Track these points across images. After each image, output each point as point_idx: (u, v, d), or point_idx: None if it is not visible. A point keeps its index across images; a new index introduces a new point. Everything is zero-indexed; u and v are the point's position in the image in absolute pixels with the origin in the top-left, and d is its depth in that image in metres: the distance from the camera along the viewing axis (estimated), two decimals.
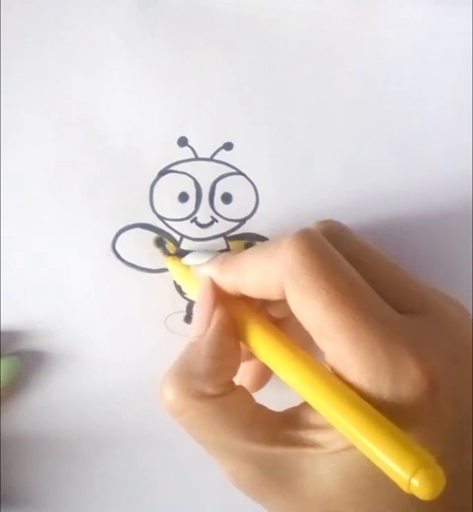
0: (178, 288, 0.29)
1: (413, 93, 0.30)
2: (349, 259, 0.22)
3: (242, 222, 0.30)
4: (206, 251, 0.28)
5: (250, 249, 0.25)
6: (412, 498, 0.20)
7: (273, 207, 0.29)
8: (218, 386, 0.23)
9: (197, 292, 0.26)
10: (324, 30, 0.30)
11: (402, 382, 0.20)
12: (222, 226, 0.29)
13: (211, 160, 0.29)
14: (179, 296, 0.29)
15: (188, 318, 0.29)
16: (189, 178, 0.29)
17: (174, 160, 0.29)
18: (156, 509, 0.29)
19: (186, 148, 0.29)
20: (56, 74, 0.29)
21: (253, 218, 0.29)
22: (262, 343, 0.23)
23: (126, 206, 0.29)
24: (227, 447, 0.23)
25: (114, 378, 0.29)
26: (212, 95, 0.30)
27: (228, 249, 0.30)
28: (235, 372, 0.24)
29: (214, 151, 0.29)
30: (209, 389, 0.22)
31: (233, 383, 0.24)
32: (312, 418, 0.22)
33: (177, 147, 0.29)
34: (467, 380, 0.22)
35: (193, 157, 0.29)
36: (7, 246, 0.29)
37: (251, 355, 0.25)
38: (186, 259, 0.28)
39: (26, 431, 0.29)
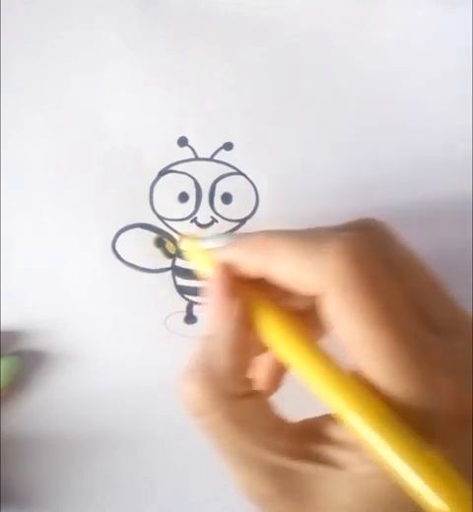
0: (179, 288, 0.29)
1: (413, 92, 0.30)
2: (392, 265, 0.22)
3: (242, 222, 0.30)
4: (228, 234, 0.27)
5: (285, 234, 0.23)
6: None
7: (273, 207, 0.29)
8: (244, 384, 0.22)
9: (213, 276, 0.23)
10: (324, 30, 0.30)
11: (436, 409, 0.19)
12: (222, 227, 0.29)
13: (211, 160, 0.29)
14: (179, 296, 0.29)
15: (188, 318, 0.29)
16: (189, 178, 0.29)
17: (174, 160, 0.29)
18: (155, 509, 0.29)
19: (186, 148, 0.29)
20: (56, 74, 0.29)
21: (253, 218, 0.29)
22: (287, 344, 0.22)
23: (126, 206, 0.29)
24: (246, 455, 0.21)
25: (114, 378, 0.29)
26: (212, 95, 0.30)
27: None
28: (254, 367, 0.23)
29: (214, 151, 0.29)
30: (236, 388, 0.21)
31: (254, 384, 0.23)
32: (336, 434, 0.21)
33: (177, 147, 0.29)
34: None
35: (193, 157, 0.29)
36: (7, 246, 0.29)
37: (262, 350, 0.23)
38: (206, 242, 0.25)
39: (26, 431, 0.29)
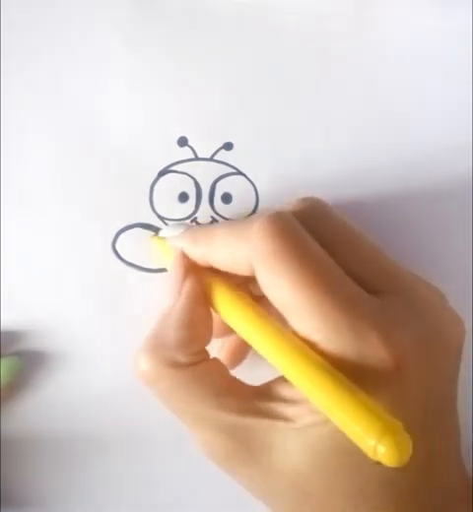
0: None
1: (413, 93, 0.30)
2: (325, 237, 0.23)
3: None
4: (181, 223, 0.28)
5: (223, 223, 0.26)
6: (383, 479, 0.20)
7: (273, 207, 0.29)
8: (190, 355, 0.23)
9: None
10: (324, 30, 0.30)
11: (367, 360, 0.20)
12: None
13: (211, 160, 0.29)
14: None
15: None
16: (189, 178, 0.29)
17: (174, 160, 0.29)
18: (156, 509, 0.29)
19: (186, 148, 0.29)
20: (56, 74, 0.29)
21: None
22: (232, 310, 0.23)
23: (126, 206, 0.29)
24: (199, 416, 0.23)
25: (114, 378, 0.29)
26: (212, 94, 0.30)
27: None
28: (206, 341, 0.24)
29: (214, 151, 0.29)
30: (181, 358, 0.23)
31: (206, 353, 0.24)
32: (285, 392, 0.23)
33: (177, 147, 0.29)
34: (436, 364, 0.22)
35: (193, 157, 0.29)
36: (7, 246, 0.29)
37: (227, 331, 0.25)
38: (162, 232, 0.28)
39: (26, 431, 0.28)
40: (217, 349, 0.27)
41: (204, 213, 0.29)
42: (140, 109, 0.29)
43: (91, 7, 0.29)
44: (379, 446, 0.18)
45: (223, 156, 0.29)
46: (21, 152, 0.29)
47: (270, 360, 0.22)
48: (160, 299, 0.29)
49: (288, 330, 0.22)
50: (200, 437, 0.24)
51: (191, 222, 0.29)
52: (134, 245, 0.29)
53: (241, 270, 0.23)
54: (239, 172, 0.29)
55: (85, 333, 0.29)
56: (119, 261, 0.29)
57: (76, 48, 0.29)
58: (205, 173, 0.29)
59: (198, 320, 0.24)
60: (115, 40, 0.29)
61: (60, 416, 0.29)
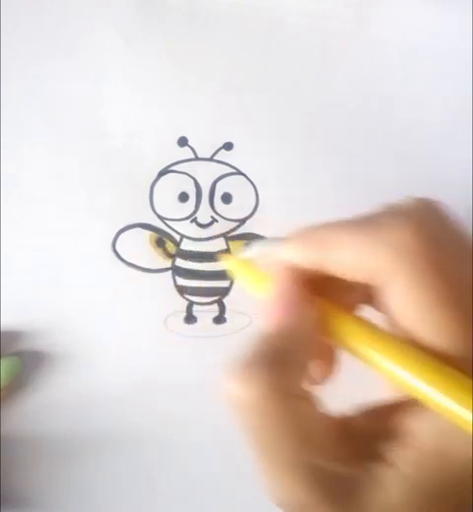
0: (178, 289, 0.29)
1: (413, 92, 0.30)
2: (443, 244, 0.21)
3: (242, 222, 0.30)
4: (271, 238, 0.23)
5: (337, 223, 0.22)
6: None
7: (273, 207, 0.29)
8: (308, 385, 0.20)
9: (269, 285, 0.22)
10: (324, 30, 0.30)
11: None
12: (222, 226, 0.29)
13: (211, 160, 0.29)
14: (179, 296, 0.29)
15: (188, 318, 0.29)
16: (189, 178, 0.29)
17: (174, 160, 0.29)
18: (156, 509, 0.29)
19: (186, 148, 0.29)
20: (56, 74, 0.29)
21: (253, 218, 0.29)
22: (357, 335, 0.20)
23: (126, 206, 0.29)
24: (291, 461, 0.19)
25: (114, 378, 0.29)
26: (212, 94, 0.30)
27: (228, 249, 0.30)
28: (329, 374, 0.22)
29: (214, 151, 0.29)
30: (300, 388, 0.20)
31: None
32: (383, 429, 0.20)
33: (177, 147, 0.29)
34: None
35: (193, 157, 0.29)
36: (7, 246, 0.29)
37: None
38: (251, 250, 0.23)
39: (26, 431, 0.29)
40: None
41: (204, 213, 0.29)
42: (140, 109, 0.29)
43: (91, 7, 0.29)
44: None
45: (223, 156, 0.29)
46: (21, 152, 0.29)
47: (402, 383, 0.19)
48: (160, 299, 0.29)
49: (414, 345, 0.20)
50: (284, 485, 0.19)
51: (191, 222, 0.29)
52: (134, 245, 0.29)
53: (364, 276, 0.20)
54: (239, 172, 0.29)
55: (85, 333, 0.29)
56: (119, 261, 0.29)
57: (76, 48, 0.29)
58: (205, 173, 0.29)
59: (322, 349, 0.22)
60: (115, 40, 0.29)
61: (60, 416, 0.29)
